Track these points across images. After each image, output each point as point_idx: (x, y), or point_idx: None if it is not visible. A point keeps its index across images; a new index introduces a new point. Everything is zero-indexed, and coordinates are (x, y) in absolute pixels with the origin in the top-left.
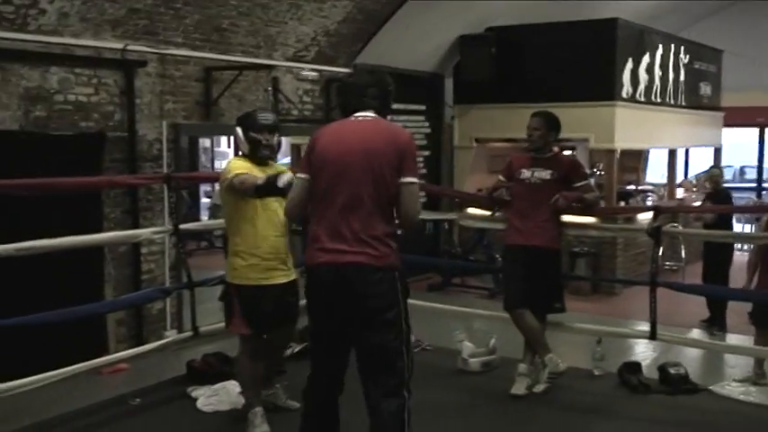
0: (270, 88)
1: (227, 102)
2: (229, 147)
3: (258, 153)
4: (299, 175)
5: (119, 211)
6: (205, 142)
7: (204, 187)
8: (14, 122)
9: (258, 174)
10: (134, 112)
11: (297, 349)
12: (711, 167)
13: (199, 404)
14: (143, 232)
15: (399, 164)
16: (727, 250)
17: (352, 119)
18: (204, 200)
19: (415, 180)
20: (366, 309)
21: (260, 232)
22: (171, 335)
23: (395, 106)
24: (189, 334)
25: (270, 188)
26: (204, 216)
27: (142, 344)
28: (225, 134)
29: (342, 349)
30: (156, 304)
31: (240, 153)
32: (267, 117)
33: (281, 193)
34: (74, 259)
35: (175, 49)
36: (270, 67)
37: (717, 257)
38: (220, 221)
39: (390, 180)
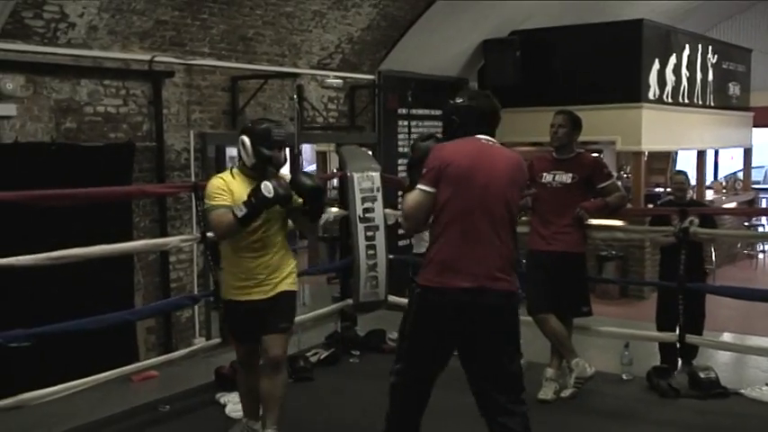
0: (295, 96)
1: (253, 110)
2: None
3: (264, 170)
4: (422, 187)
5: (148, 219)
6: (231, 151)
7: None
8: (46, 134)
9: (245, 191)
10: (162, 122)
11: (324, 355)
12: (676, 172)
13: (227, 410)
14: (172, 240)
15: (521, 191)
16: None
17: (484, 142)
18: None
19: None
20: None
21: (237, 253)
22: (199, 342)
23: (419, 111)
24: (217, 341)
25: (257, 207)
26: None
27: (171, 351)
28: None
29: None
30: (185, 312)
31: (232, 166)
32: (281, 133)
33: (275, 201)
34: (104, 268)
35: (202, 59)
36: (295, 76)
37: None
38: None
39: (516, 207)
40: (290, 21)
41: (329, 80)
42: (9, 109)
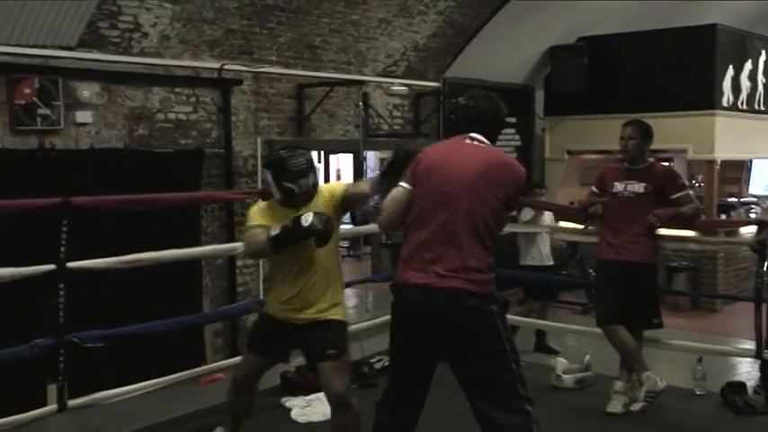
0: (360, 103)
1: (319, 117)
2: (320, 161)
3: (291, 202)
4: (401, 184)
5: (215, 224)
6: None
7: None
8: (119, 141)
9: (283, 220)
10: (230, 128)
11: (387, 362)
12: None
13: (293, 414)
14: (240, 245)
15: (509, 197)
16: None
17: (467, 141)
18: None
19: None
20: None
21: (278, 276)
22: None
23: None
24: None
25: (291, 234)
26: None
27: (237, 354)
28: (316, 149)
29: None
30: (251, 316)
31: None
32: (298, 163)
33: (310, 233)
34: (174, 271)
35: (269, 67)
36: (360, 83)
37: None
38: None
39: (496, 211)
40: (356, 28)
41: (394, 87)
42: (85, 116)
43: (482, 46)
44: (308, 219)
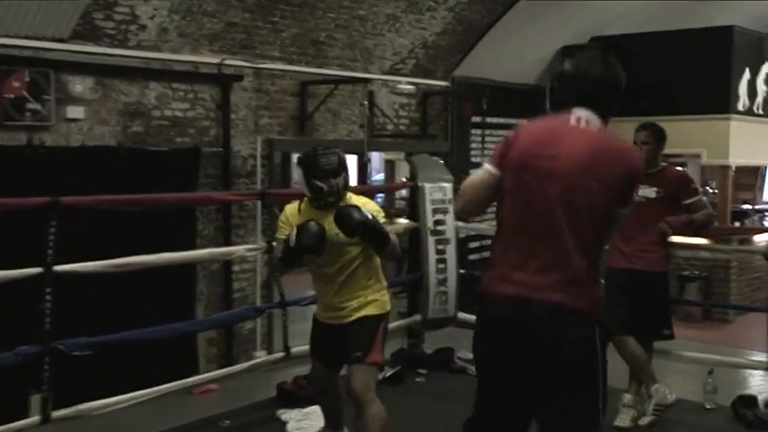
0: (365, 102)
1: (323, 116)
2: None
3: (320, 201)
4: (486, 166)
5: (212, 227)
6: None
7: None
8: (113, 138)
9: (318, 219)
10: (229, 127)
11: (389, 373)
12: None
13: (289, 428)
14: (237, 249)
15: (624, 192)
16: None
17: (572, 120)
18: None
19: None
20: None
21: (315, 279)
22: (261, 355)
23: (495, 120)
24: (280, 355)
25: (288, 253)
26: None
27: (232, 364)
28: None
29: None
30: (247, 324)
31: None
32: (330, 161)
33: (300, 251)
34: (167, 276)
35: (271, 63)
36: (366, 81)
37: None
38: None
39: (606, 212)
40: (362, 24)
41: (401, 86)
42: (77, 111)
43: (493, 44)
44: (292, 237)
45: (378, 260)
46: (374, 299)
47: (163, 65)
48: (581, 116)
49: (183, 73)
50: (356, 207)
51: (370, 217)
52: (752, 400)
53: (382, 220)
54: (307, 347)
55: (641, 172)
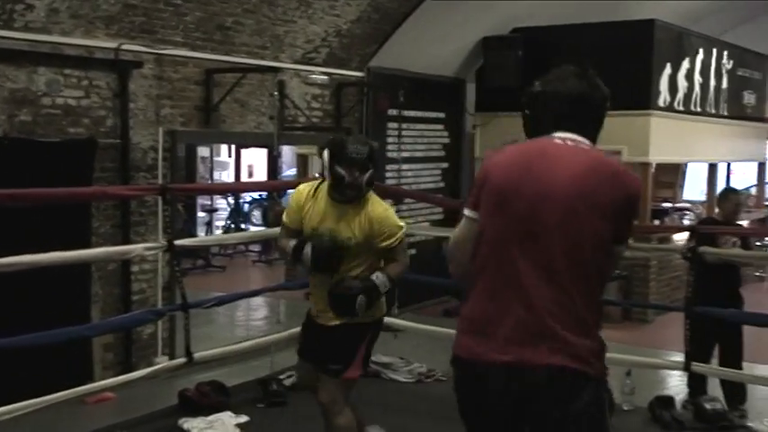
0: (276, 93)
1: (230, 107)
2: (230, 156)
3: (339, 192)
4: (466, 212)
5: (108, 224)
6: (203, 151)
7: (202, 200)
8: None
9: (319, 214)
10: (128, 117)
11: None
12: (730, 190)
13: None
14: (135, 248)
15: (620, 223)
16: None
17: (556, 142)
18: (201, 214)
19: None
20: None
21: (313, 278)
22: (162, 361)
23: (411, 113)
24: (182, 360)
25: (296, 257)
26: (201, 232)
27: (130, 371)
28: (225, 142)
29: None
30: (147, 328)
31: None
32: (359, 150)
33: (320, 271)
34: (58, 277)
35: (174, 49)
36: (276, 70)
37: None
38: (218, 237)
39: (605, 245)
40: (272, 9)
41: (314, 76)
42: None
43: (410, 34)
44: (306, 254)
45: (380, 264)
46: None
47: (53, 48)
48: (565, 137)
49: (75, 58)
50: (350, 280)
51: (376, 280)
52: (669, 400)
53: (399, 236)
54: (210, 352)
55: (639, 198)
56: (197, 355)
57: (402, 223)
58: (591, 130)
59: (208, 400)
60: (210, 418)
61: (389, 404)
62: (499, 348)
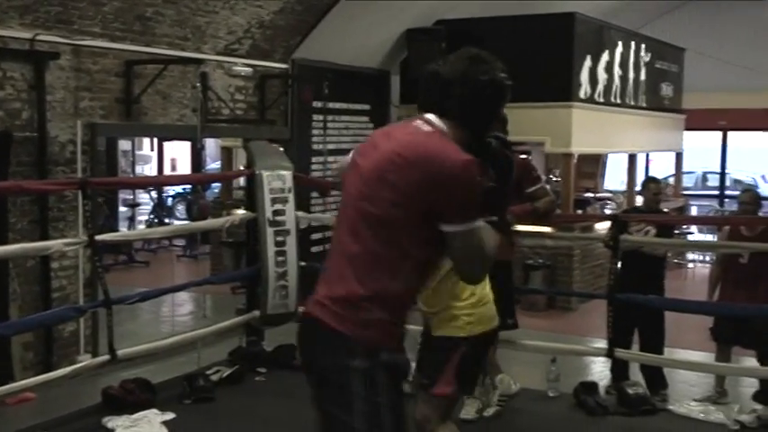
0: (198, 85)
1: (151, 99)
2: (153, 149)
3: None
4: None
5: (26, 220)
6: (125, 144)
7: (123, 195)
8: None
9: None
10: (44, 109)
11: (226, 373)
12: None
13: None
14: (54, 244)
15: (432, 204)
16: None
17: (414, 123)
18: (122, 208)
19: (467, 227)
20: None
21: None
22: (85, 359)
23: (336, 105)
24: (105, 358)
25: None
26: (123, 227)
27: (52, 370)
28: (147, 135)
29: None
30: (68, 326)
31: None
32: None
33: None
34: None
35: (92, 39)
36: (198, 62)
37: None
38: (141, 232)
39: (405, 226)
40: (193, 0)
41: (237, 68)
42: None
43: (334, 26)
44: None
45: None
46: (459, 315)
47: None
48: (424, 118)
49: None
50: None
51: None
52: (593, 386)
53: None
54: (135, 349)
55: (463, 181)
56: (121, 353)
57: None
58: (463, 115)
59: (132, 398)
60: (135, 415)
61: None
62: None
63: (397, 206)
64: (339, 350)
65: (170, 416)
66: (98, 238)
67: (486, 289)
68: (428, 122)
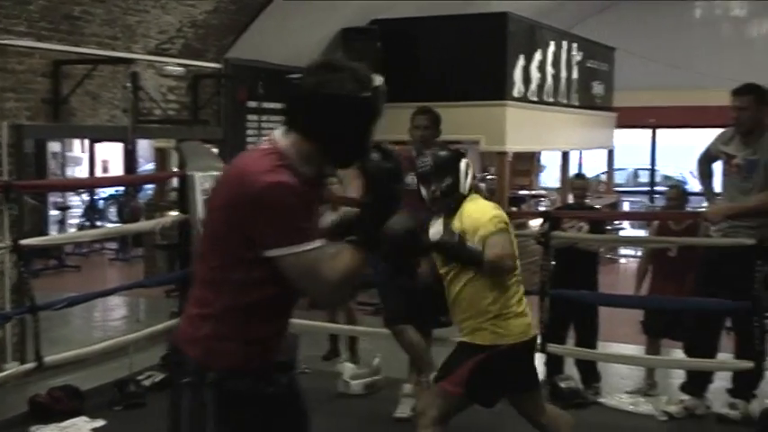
0: (129, 85)
1: (80, 100)
2: (83, 151)
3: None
4: None
5: None
6: (53, 146)
7: (54, 198)
8: None
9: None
10: None
11: (159, 378)
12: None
13: None
14: None
15: (251, 227)
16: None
17: (263, 144)
18: (53, 212)
19: (289, 251)
20: None
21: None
22: (11, 367)
23: (271, 105)
24: (32, 365)
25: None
26: (53, 231)
27: None
28: (76, 136)
29: None
30: None
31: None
32: (423, 162)
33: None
34: None
35: (17, 39)
36: (129, 62)
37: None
38: (70, 235)
39: (228, 247)
40: None
41: (169, 68)
42: None
43: (268, 25)
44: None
45: (506, 281)
46: (483, 327)
47: None
48: (272, 135)
49: None
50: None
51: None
52: None
53: (491, 232)
54: (63, 355)
55: (267, 203)
56: (48, 359)
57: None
58: (311, 130)
59: (61, 406)
60: (64, 423)
61: None
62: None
63: (219, 226)
64: (178, 366)
65: (100, 423)
66: (23, 242)
67: (511, 301)
68: (271, 140)
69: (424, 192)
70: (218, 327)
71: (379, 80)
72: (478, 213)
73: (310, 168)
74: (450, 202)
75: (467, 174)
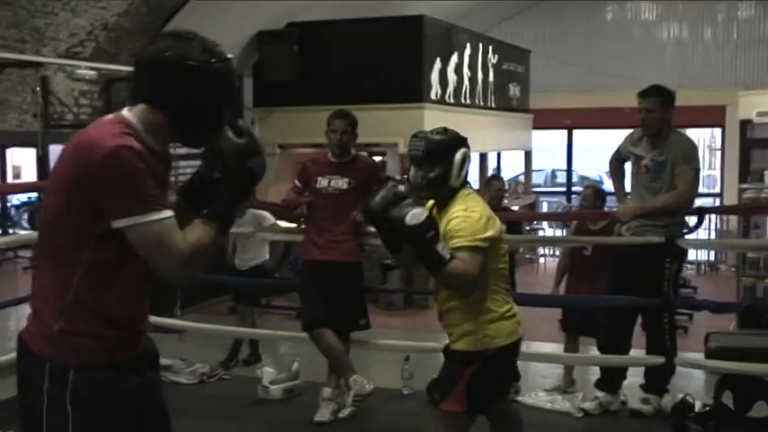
0: (38, 89)
1: None
2: None
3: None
4: None
5: None
6: None
7: None
8: None
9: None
10: None
11: None
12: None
13: None
14: None
15: (96, 196)
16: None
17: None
18: None
19: (137, 221)
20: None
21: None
22: None
23: None
24: None
25: None
26: None
27: None
28: None
29: None
30: None
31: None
32: (415, 146)
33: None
34: None
35: None
36: (38, 65)
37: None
38: None
39: (65, 218)
40: (30, 1)
41: (80, 71)
42: None
43: (182, 27)
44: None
45: (490, 282)
46: (471, 331)
47: None
48: (117, 111)
49: None
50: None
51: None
52: None
53: (464, 247)
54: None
55: (110, 169)
56: None
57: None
58: (154, 97)
59: None
60: None
61: (171, 408)
62: None
63: (62, 204)
64: (31, 369)
65: None
66: None
67: (499, 303)
68: (116, 114)
69: (412, 174)
70: (72, 318)
71: (230, 54)
72: (461, 220)
73: (157, 142)
74: (437, 194)
75: (462, 165)
